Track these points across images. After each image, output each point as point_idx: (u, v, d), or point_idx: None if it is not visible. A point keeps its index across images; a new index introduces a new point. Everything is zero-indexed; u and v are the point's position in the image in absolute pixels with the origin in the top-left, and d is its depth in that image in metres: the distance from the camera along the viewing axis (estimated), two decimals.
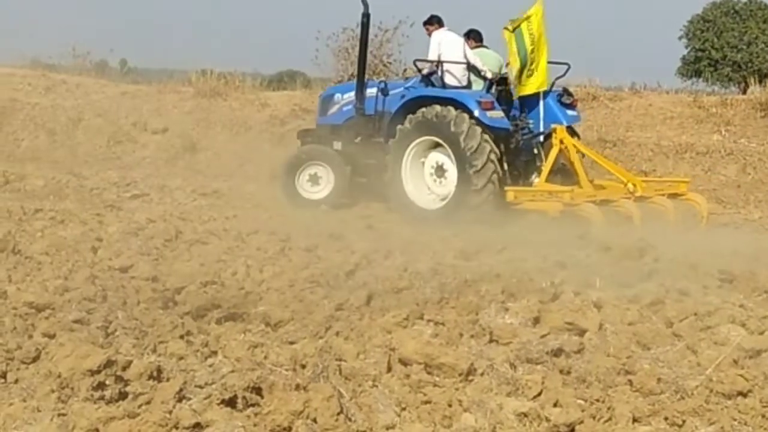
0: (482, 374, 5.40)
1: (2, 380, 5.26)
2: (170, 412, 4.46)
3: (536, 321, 6.45)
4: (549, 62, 13.72)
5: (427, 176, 13.44)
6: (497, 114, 13.18)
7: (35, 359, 5.53)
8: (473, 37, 14.46)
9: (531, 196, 12.79)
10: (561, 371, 5.53)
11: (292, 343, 6.07)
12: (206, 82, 21.45)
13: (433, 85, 13.98)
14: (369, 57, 21.80)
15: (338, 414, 4.59)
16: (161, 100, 21.45)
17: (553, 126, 13.40)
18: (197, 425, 4.37)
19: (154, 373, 5.19)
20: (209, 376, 5.12)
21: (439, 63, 13.81)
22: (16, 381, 5.25)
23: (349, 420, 4.64)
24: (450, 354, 5.55)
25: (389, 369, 5.57)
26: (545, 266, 8.79)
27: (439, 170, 13.29)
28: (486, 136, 12.81)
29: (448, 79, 13.97)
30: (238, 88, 21.70)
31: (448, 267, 8.65)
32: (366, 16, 14.44)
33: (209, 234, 10.61)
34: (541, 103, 13.63)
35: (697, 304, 6.79)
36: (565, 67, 13.97)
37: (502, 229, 11.22)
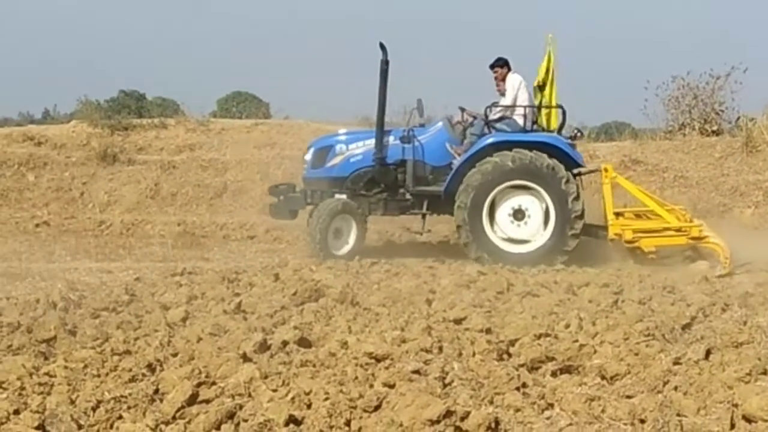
0: None
1: (347, 428, 5.41)
2: None
3: None
4: (542, 106, 14.32)
5: (505, 220, 13.56)
6: (579, 154, 14.00)
7: (377, 408, 5.65)
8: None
9: (651, 234, 13.46)
10: None
11: (629, 397, 5.90)
12: None
13: (490, 129, 14.07)
14: (700, 105, 21.25)
15: None
16: None
17: (603, 165, 14.23)
18: None
19: (492, 425, 5.20)
20: (547, 428, 5.07)
21: (514, 107, 14.13)
22: (360, 429, 5.39)
23: None
24: None
25: (732, 426, 5.31)
26: None
27: (519, 214, 13.48)
28: (576, 180, 13.47)
29: (522, 122, 14.11)
30: None
31: None
32: (386, 63, 13.99)
33: (540, 286, 10.61)
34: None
35: None
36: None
37: None
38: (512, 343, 7.42)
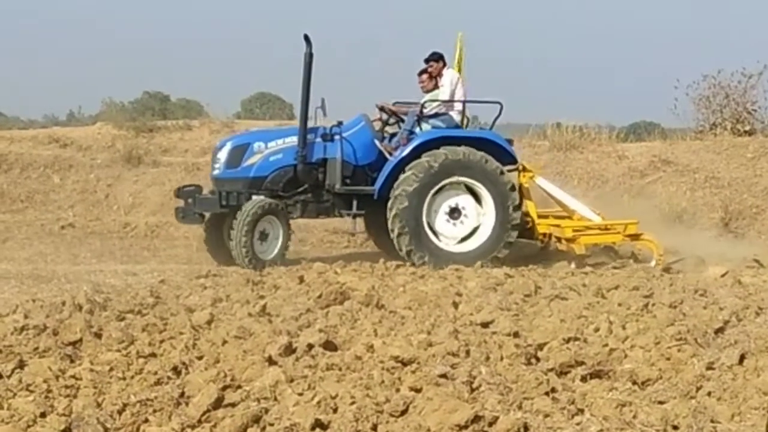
0: None
1: None
2: None
3: None
4: (480, 101, 14.65)
5: (441, 220, 13.41)
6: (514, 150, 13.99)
7: (404, 412, 5.60)
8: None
9: (590, 232, 13.62)
10: None
11: (661, 402, 5.80)
12: (562, 135, 21.42)
13: (421, 125, 13.91)
14: (731, 105, 21.09)
15: None
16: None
17: (521, 164, 14.14)
18: None
19: (521, 430, 5.14)
20: None
21: (452, 102, 13.98)
22: None
23: None
24: None
25: None
26: None
27: (455, 212, 13.34)
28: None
29: (458, 118, 14.04)
30: (594, 141, 21.53)
31: None
32: (310, 56, 13.54)
33: (568, 289, 10.49)
34: None
35: None
36: (498, 106, 14.04)
37: None
38: (541, 347, 7.33)
